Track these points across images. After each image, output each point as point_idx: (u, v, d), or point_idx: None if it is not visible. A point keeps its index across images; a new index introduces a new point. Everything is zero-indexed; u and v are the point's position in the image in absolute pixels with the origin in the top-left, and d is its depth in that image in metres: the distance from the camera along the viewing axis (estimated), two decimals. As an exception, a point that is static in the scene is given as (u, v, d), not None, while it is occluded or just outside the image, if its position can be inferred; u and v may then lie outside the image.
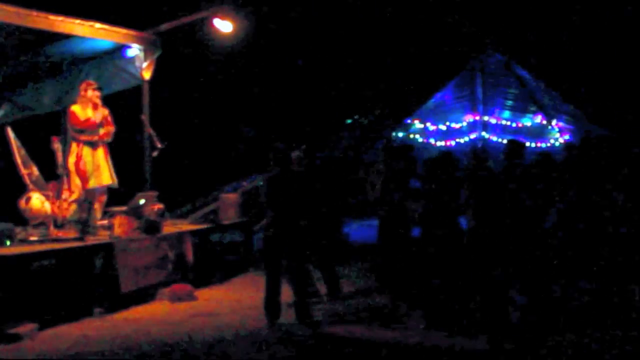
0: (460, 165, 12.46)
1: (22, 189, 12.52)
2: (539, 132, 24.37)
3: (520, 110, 24.65)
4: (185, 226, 14.48)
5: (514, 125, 24.48)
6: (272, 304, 10.82)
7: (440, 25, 23.98)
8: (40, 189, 12.67)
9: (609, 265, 11.12)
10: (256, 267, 14.18)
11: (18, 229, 12.12)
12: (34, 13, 12.66)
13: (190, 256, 13.55)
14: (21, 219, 12.45)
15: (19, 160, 12.77)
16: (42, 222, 12.45)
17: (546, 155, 12.24)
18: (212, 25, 15.09)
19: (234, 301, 12.32)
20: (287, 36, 23.17)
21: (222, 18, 14.95)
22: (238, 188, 17.75)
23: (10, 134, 12.80)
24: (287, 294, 11.13)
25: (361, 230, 17.04)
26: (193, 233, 14.08)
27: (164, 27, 15.04)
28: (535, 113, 24.38)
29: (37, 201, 12.39)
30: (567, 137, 23.31)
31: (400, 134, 23.22)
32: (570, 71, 23.26)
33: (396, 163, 12.94)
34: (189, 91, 20.65)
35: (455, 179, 11.57)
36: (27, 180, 12.71)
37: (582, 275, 11.42)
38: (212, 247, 15.28)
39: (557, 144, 23.52)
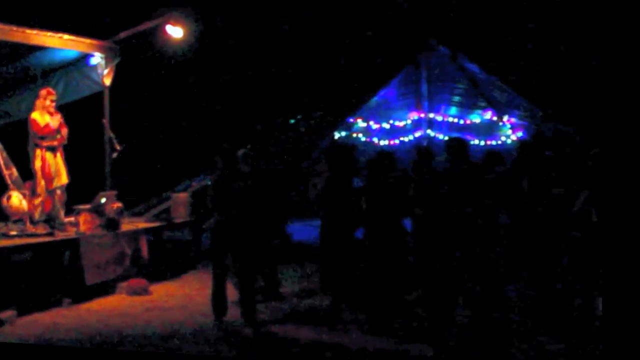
0: (403, 165, 12.67)
1: (4, 188, 13.46)
2: (489, 129, 23.18)
3: (468, 106, 23.42)
4: (140, 224, 15.07)
5: (461, 122, 23.28)
6: (218, 301, 11.18)
7: (383, 20, 22.89)
8: (19, 188, 13.52)
9: (567, 270, 10.58)
10: (205, 264, 14.57)
11: (0, 224, 13.21)
12: (14, 28, 13.47)
13: (145, 252, 14.18)
14: (3, 215, 13.40)
15: (1, 162, 13.68)
16: (20, 218, 13.36)
17: (494, 154, 11.78)
18: (164, 31, 15.65)
19: (184, 296, 12.96)
20: (232, 38, 23.16)
21: (173, 24, 15.52)
22: (188, 187, 18.02)
23: None
24: (234, 291, 11.52)
25: (304, 231, 17.10)
26: (148, 230, 14.80)
27: (122, 35, 15.62)
28: (484, 109, 23.14)
29: (16, 199, 13.26)
30: (519, 134, 22.35)
31: (343, 133, 22.78)
32: (524, 64, 22.33)
33: (338, 163, 12.46)
34: (146, 95, 20.94)
35: (398, 179, 11.42)
36: (8, 180, 13.60)
37: (537, 281, 10.90)
38: (165, 244, 15.95)
39: (508, 141, 22.49)
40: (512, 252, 11.06)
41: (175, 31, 15.64)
